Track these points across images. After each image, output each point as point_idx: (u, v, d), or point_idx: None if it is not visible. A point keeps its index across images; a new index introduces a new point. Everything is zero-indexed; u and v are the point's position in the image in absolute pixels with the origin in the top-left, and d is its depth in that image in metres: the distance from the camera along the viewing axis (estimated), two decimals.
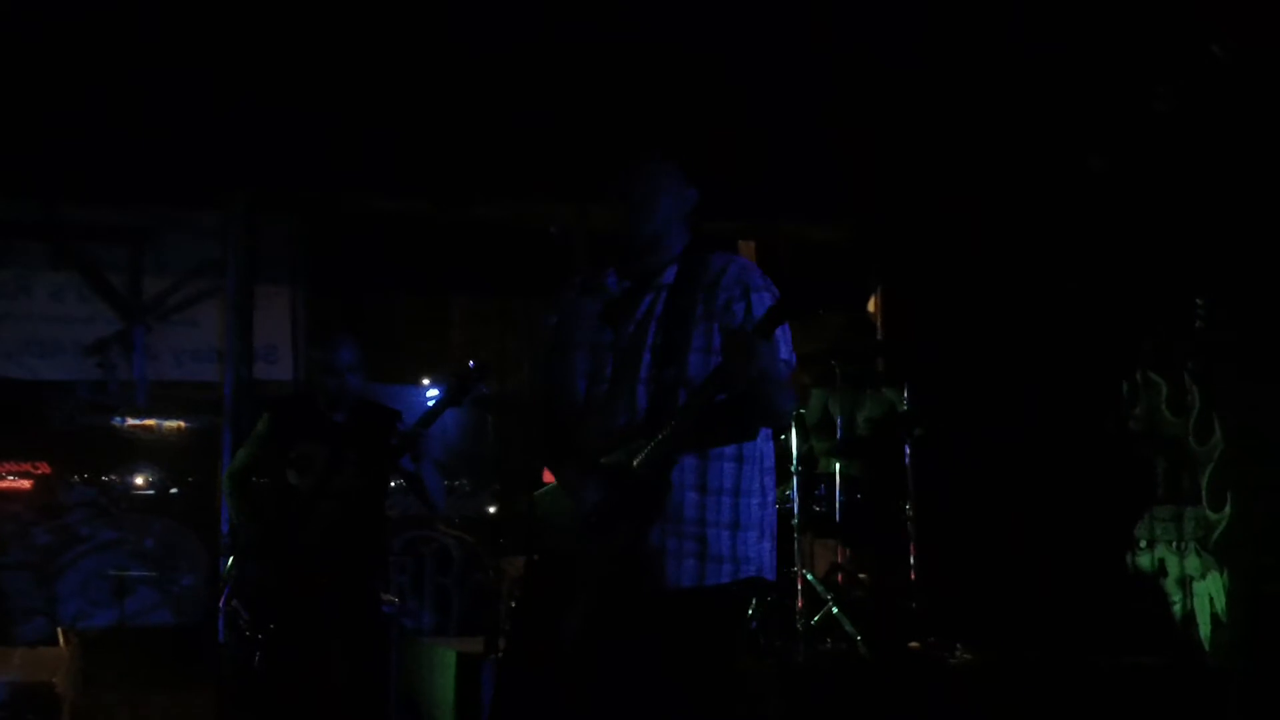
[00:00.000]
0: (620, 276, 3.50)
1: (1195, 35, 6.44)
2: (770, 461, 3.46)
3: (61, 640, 7.01)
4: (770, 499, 3.45)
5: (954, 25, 7.08)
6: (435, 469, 5.11)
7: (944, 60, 7.31)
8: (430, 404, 5.10)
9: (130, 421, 8.16)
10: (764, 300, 3.34)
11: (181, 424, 8.51)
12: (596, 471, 3.29)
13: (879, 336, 8.61)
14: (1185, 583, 6.60)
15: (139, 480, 8.07)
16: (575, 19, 6.93)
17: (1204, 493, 6.62)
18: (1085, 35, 6.79)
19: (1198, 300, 6.57)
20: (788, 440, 6.76)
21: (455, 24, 6.98)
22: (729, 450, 3.34)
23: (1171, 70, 6.61)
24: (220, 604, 5.08)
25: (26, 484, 7.74)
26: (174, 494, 8.39)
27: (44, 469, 7.79)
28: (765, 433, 3.45)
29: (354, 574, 5.01)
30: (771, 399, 3.29)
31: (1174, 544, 6.68)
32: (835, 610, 6.67)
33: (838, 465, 7.00)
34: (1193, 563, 6.60)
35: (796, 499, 6.74)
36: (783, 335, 3.29)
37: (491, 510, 8.68)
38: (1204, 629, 6.51)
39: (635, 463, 3.23)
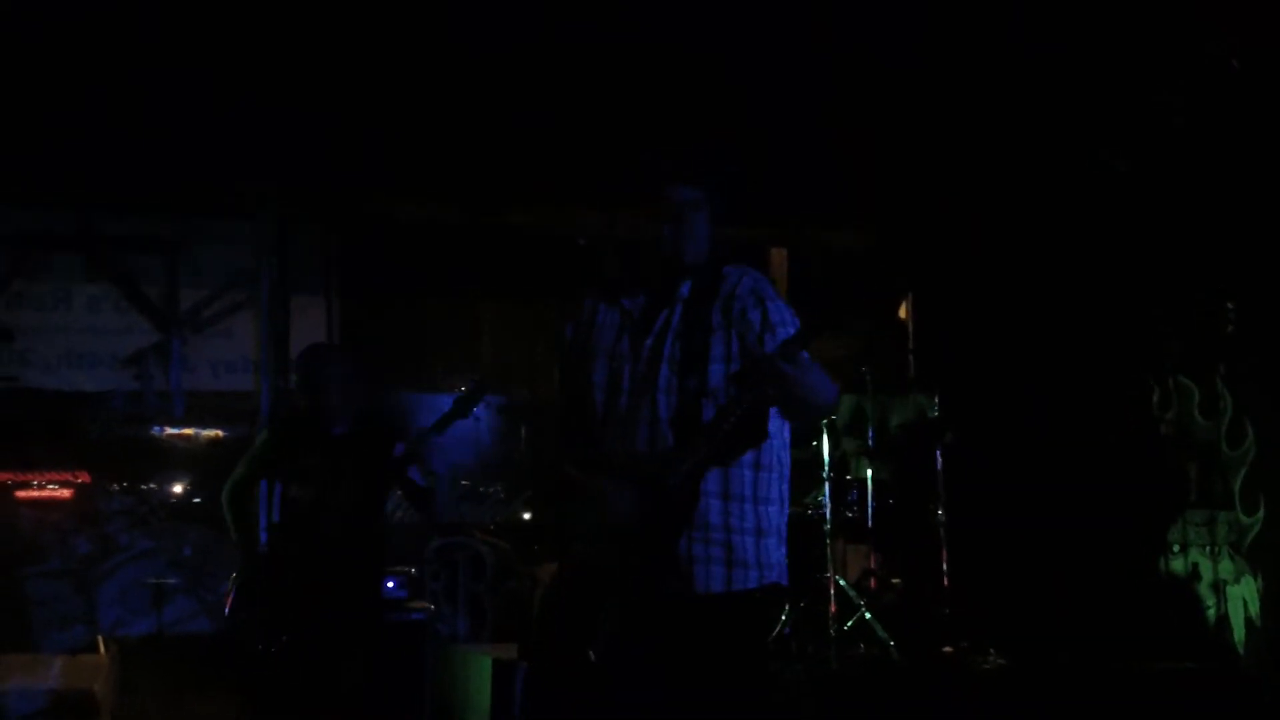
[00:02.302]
0: (635, 288, 3.56)
1: (1199, 34, 6.45)
2: (788, 470, 3.53)
3: (101, 648, 7.07)
4: (786, 506, 3.53)
5: (984, 33, 7.09)
6: (439, 481, 5.16)
7: (972, 67, 7.32)
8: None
9: (168, 431, 8.22)
10: (779, 309, 3.43)
11: (218, 433, 8.55)
12: (627, 482, 3.34)
13: (910, 342, 8.62)
14: (1219, 587, 6.59)
15: (176, 489, 8.11)
16: (608, 29, 6.97)
17: (1237, 496, 6.62)
18: (1107, 37, 6.79)
19: (1229, 304, 6.56)
20: (819, 446, 6.78)
21: (483, 34, 7.02)
22: (747, 458, 3.40)
23: (1181, 73, 6.62)
24: (225, 614, 5.09)
25: (67, 493, 7.79)
26: (211, 503, 8.43)
27: (83, 478, 7.84)
28: (784, 442, 3.51)
29: (352, 585, 5.02)
30: (817, 387, 3.29)
31: (1207, 548, 6.67)
32: (868, 615, 6.69)
33: (869, 470, 7.02)
34: (1226, 567, 6.59)
35: (828, 504, 6.76)
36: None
37: (525, 517, 8.72)
38: (1238, 633, 6.50)
39: (670, 477, 3.28)
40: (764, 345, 3.35)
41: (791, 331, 3.34)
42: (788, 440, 3.52)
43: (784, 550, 3.49)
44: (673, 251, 3.47)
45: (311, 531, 4.97)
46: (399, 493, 5.35)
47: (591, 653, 3.29)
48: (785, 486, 3.51)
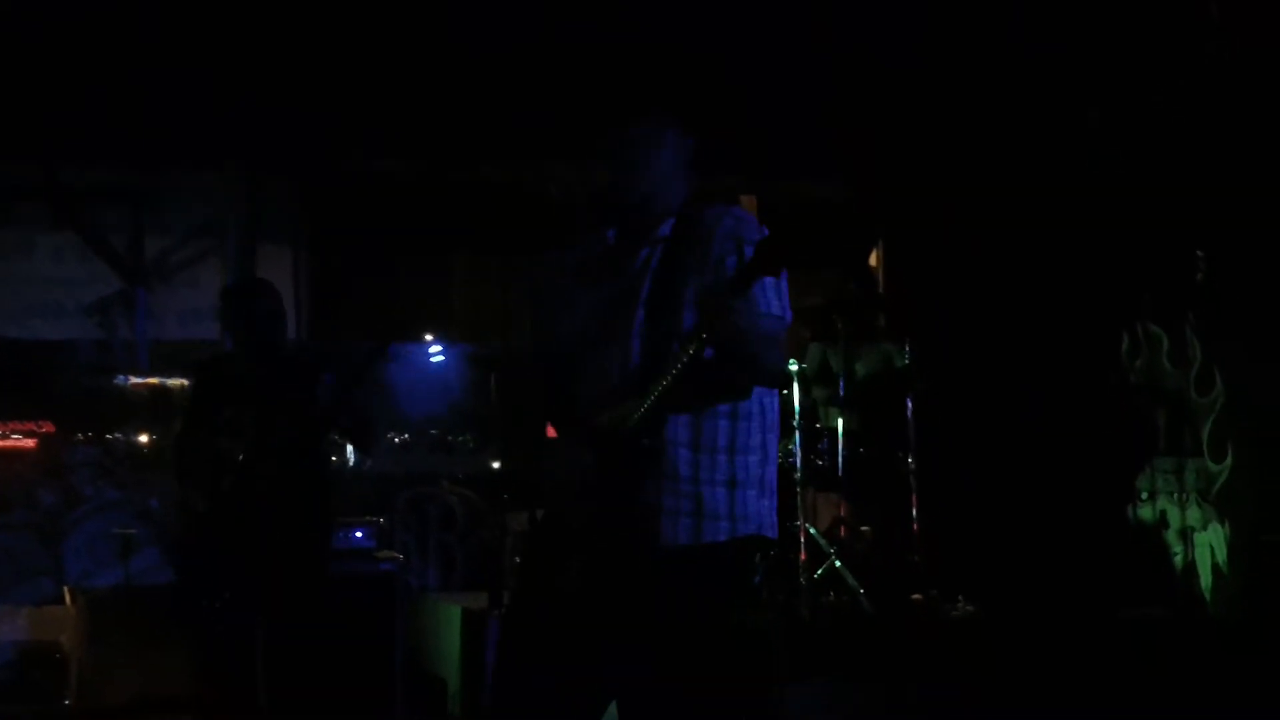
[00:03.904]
0: (617, 232, 3.45)
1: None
2: (773, 417, 3.39)
3: (68, 599, 7.03)
4: (771, 455, 3.40)
5: None
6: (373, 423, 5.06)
7: (945, 19, 7.29)
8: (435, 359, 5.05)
9: (133, 380, 8.14)
10: None
11: (184, 383, 8.49)
12: (591, 431, 3.26)
13: (880, 290, 8.61)
14: (1186, 534, 6.63)
15: (143, 439, 8.04)
16: None
17: (1205, 444, 6.65)
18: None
19: (1198, 252, 6.57)
20: (789, 395, 6.77)
21: None
22: (723, 408, 3.28)
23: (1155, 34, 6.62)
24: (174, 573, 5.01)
25: (31, 443, 7.73)
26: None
27: (48, 428, 7.77)
28: (769, 389, 3.39)
29: (296, 534, 4.91)
30: (756, 357, 3.20)
31: (1175, 495, 6.70)
32: (838, 564, 6.71)
33: (840, 419, 7.02)
34: (1194, 514, 6.63)
35: (799, 453, 6.76)
36: (775, 290, 3.23)
37: (495, 466, 8.69)
38: (1205, 579, 6.54)
39: (628, 422, 3.18)
40: None
41: (768, 280, 3.19)
42: (773, 389, 3.40)
43: (768, 501, 3.38)
44: (618, 191, 3.39)
45: (248, 483, 4.86)
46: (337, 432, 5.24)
47: (563, 606, 3.26)
48: (771, 436, 3.38)
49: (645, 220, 3.40)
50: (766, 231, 3.31)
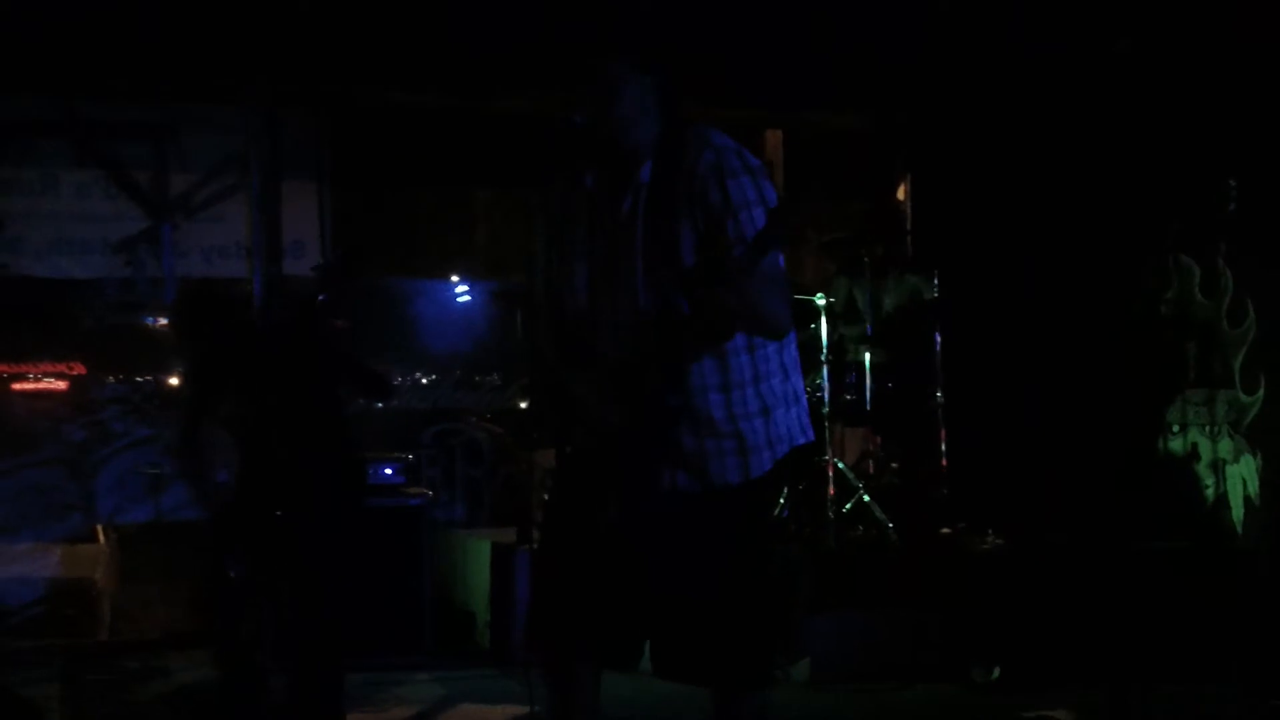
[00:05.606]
0: (598, 174, 3.39)
1: None
2: (790, 335, 3.38)
3: (100, 536, 7.10)
4: (791, 370, 3.40)
5: None
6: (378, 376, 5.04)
7: None
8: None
9: (161, 320, 8.13)
10: (741, 187, 3.19)
11: None
12: (613, 384, 3.24)
13: (908, 223, 8.55)
14: (1217, 466, 6.59)
15: (172, 380, 8.05)
16: None
17: (1237, 376, 6.61)
18: None
19: (1230, 181, 6.49)
20: (818, 329, 6.75)
21: None
22: (739, 343, 3.27)
23: None
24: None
25: (63, 384, 7.74)
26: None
27: (79, 369, 7.78)
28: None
29: (326, 475, 4.87)
30: (766, 319, 3.20)
31: (1206, 427, 6.66)
32: (866, 498, 6.71)
33: (867, 353, 6.99)
34: (1225, 446, 6.59)
35: (827, 387, 6.74)
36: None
37: (522, 405, 8.70)
38: (1236, 511, 6.52)
39: (652, 385, 3.17)
40: (726, 230, 3.15)
41: (758, 212, 3.14)
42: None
43: (794, 410, 3.38)
44: (608, 132, 3.30)
45: (267, 443, 4.82)
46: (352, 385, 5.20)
47: (599, 543, 3.25)
48: (787, 354, 3.37)
49: (623, 158, 3.33)
50: (748, 153, 3.28)
